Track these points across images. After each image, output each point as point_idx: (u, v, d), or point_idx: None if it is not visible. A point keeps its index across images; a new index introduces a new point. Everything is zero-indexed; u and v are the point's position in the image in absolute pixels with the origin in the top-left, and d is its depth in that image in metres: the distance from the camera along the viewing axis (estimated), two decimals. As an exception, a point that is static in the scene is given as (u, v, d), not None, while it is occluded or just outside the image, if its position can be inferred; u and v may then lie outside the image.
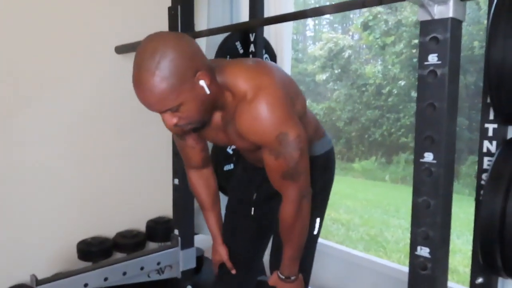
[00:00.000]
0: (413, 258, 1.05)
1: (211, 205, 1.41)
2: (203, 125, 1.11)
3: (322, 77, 10.21)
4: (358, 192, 5.95)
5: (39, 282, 1.51)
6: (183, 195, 1.85)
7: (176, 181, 1.87)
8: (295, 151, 1.06)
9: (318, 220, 1.35)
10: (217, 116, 1.14)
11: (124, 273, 1.67)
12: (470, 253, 1.43)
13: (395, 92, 8.66)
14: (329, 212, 4.62)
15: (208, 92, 1.02)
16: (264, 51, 2.21)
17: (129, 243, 2.06)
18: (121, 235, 2.13)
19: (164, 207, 2.21)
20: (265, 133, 1.04)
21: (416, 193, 1.05)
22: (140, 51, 0.97)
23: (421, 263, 1.04)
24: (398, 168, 7.95)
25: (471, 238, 1.40)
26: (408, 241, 1.09)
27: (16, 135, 2.04)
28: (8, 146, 2.02)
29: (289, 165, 1.07)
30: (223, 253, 1.40)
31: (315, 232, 1.35)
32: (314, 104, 10.10)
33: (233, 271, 1.39)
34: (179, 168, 1.85)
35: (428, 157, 1.03)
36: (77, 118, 2.23)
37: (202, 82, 1.01)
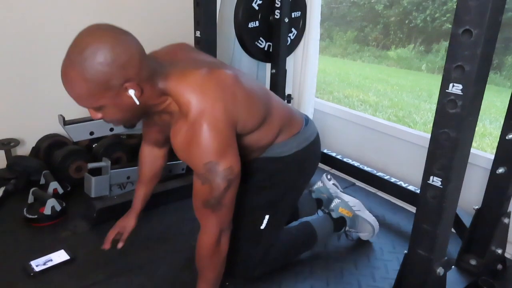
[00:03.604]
0: (443, 96, 0.98)
1: (147, 180, 1.40)
2: (133, 125, 1.12)
3: (364, -47, 9.12)
4: (390, 78, 5.73)
5: (67, 122, 1.57)
6: (206, 47, 1.79)
7: (198, 33, 1.79)
8: (222, 182, 1.03)
9: (267, 217, 1.33)
10: (166, 117, 1.11)
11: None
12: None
13: (446, -30, 7.71)
14: (358, 94, 4.51)
15: (137, 103, 0.98)
16: None
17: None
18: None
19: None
20: (195, 158, 1.03)
21: (457, 23, 0.93)
22: (76, 39, 0.93)
23: (451, 101, 0.97)
24: (437, 58, 7.47)
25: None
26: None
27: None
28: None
29: (213, 194, 1.05)
30: (129, 225, 1.43)
31: (262, 227, 1.34)
32: (353, -16, 9.22)
33: (106, 246, 1.42)
34: (201, 20, 1.76)
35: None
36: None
37: (131, 92, 0.96)
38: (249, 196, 1.33)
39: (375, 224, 1.65)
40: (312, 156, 1.36)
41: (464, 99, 0.94)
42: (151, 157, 1.39)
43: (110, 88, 0.93)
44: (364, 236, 1.66)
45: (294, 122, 1.30)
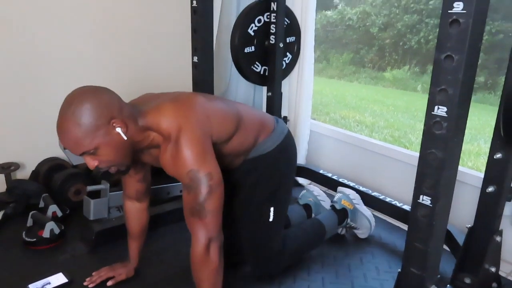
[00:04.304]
0: (429, 118, 1.02)
1: (137, 236, 1.48)
2: (127, 168, 1.22)
3: (358, -22, 9.39)
4: (386, 99, 5.81)
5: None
6: (203, 72, 1.84)
7: (195, 58, 1.85)
8: (204, 187, 1.14)
9: (272, 209, 1.45)
10: (155, 152, 1.24)
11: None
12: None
13: (438, -6, 7.93)
14: (354, 115, 4.57)
15: (125, 138, 1.12)
16: None
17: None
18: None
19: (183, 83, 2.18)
20: (180, 169, 1.14)
21: (439, 49, 0.98)
22: (64, 101, 1.09)
23: (437, 122, 1.01)
24: (432, 78, 7.58)
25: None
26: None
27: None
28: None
29: (197, 200, 1.14)
30: (128, 275, 1.50)
31: (271, 219, 1.45)
32: (348, 8, 9.47)
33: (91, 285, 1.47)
34: (198, 46, 1.82)
35: (458, 7, 0.94)
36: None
37: (118, 129, 1.10)
38: (251, 195, 1.46)
39: (372, 219, 1.82)
40: (291, 144, 1.52)
41: (449, 121, 0.98)
42: (135, 212, 1.46)
43: (100, 127, 1.08)
44: (361, 233, 1.82)
45: (267, 123, 1.46)
